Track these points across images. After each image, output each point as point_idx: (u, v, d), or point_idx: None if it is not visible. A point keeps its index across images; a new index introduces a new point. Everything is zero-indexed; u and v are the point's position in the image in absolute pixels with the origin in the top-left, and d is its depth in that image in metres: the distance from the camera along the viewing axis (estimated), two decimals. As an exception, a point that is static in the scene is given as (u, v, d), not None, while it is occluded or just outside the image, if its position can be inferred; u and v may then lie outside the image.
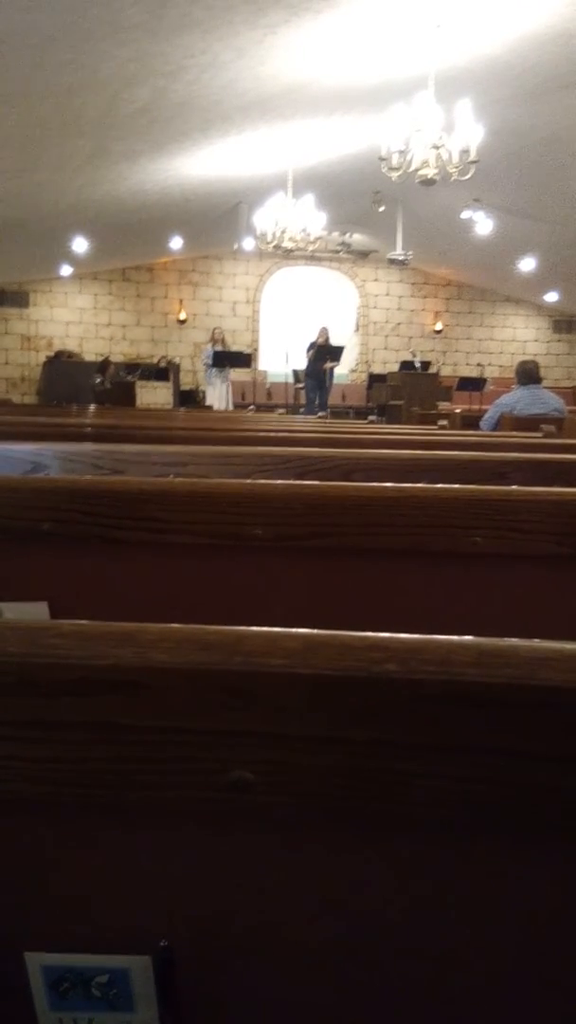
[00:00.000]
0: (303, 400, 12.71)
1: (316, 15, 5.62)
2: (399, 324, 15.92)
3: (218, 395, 12.08)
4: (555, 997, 0.50)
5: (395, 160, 6.90)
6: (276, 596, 1.06)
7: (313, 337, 12.54)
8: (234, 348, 13.03)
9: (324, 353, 12.28)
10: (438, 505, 1.05)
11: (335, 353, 12.32)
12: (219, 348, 12.35)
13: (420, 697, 0.44)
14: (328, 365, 12.33)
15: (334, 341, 12.72)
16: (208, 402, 12.44)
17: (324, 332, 12.50)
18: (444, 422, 6.13)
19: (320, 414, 11.17)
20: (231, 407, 12.14)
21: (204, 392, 13.65)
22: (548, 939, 0.50)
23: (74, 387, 11.95)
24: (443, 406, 10.17)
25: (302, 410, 12.40)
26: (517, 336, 16.34)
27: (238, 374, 13.21)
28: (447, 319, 16.05)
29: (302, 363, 12.57)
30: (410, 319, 15.96)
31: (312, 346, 12.44)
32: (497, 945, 0.50)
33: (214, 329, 13.15)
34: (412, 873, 0.49)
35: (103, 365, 12.02)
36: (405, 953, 0.51)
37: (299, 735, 0.45)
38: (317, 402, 12.40)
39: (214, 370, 12.08)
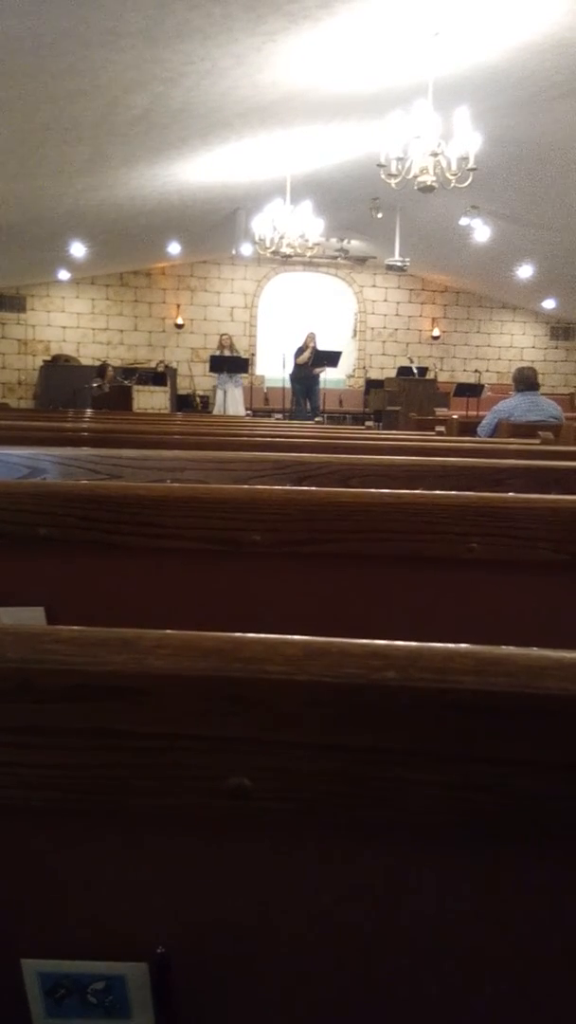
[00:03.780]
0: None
1: (315, 23, 5.64)
2: (396, 330, 15.95)
3: (232, 400, 11.95)
4: (554, 1001, 0.50)
5: (393, 167, 6.92)
6: (274, 602, 1.06)
7: (300, 343, 12.58)
8: (232, 353, 13.03)
9: (321, 358, 12.30)
10: (435, 512, 1.05)
11: (332, 358, 12.35)
12: (228, 353, 12.30)
13: (418, 704, 0.44)
14: (317, 370, 12.36)
15: (331, 346, 12.74)
16: (216, 410, 12.16)
17: (312, 337, 12.53)
18: (441, 428, 6.14)
19: (317, 419, 11.21)
20: (243, 413, 12.06)
21: (206, 397, 13.54)
22: (547, 944, 0.50)
23: (71, 391, 11.94)
24: (440, 412, 10.16)
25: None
26: (514, 343, 16.38)
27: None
28: (444, 325, 16.08)
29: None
30: (407, 325, 15.99)
31: (299, 352, 12.47)
32: (496, 950, 0.50)
33: (222, 335, 13.13)
34: (410, 880, 0.49)
35: (100, 369, 12.01)
36: (403, 959, 0.51)
37: (298, 742, 0.45)
38: (309, 407, 12.44)
39: (224, 375, 11.99)
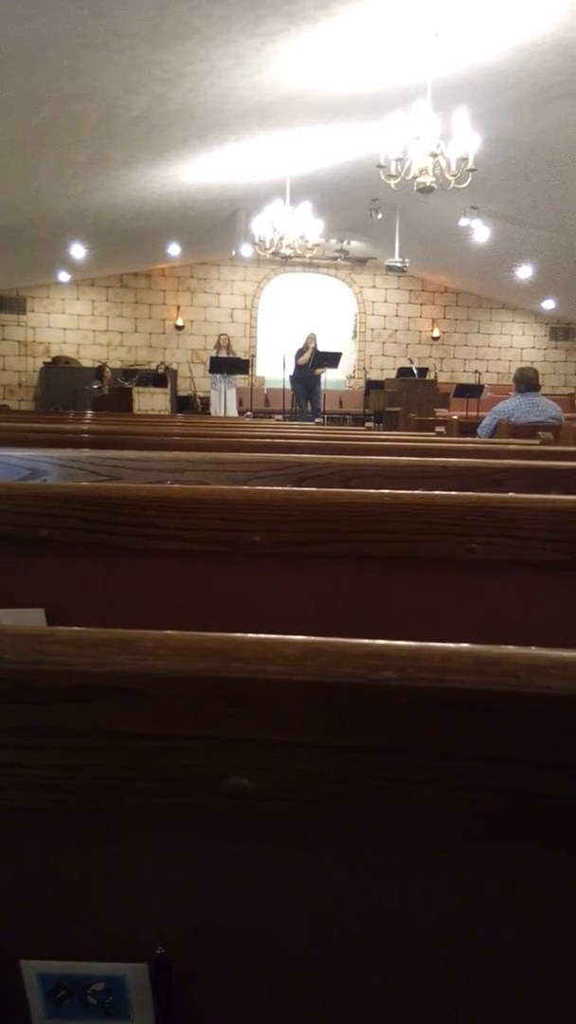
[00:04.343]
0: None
1: (314, 24, 5.64)
2: (396, 331, 15.95)
3: (229, 401, 12.01)
4: (555, 1001, 0.50)
5: (393, 168, 6.93)
6: (274, 603, 1.06)
7: (300, 344, 12.58)
8: (229, 354, 13.03)
9: (321, 359, 12.30)
10: (435, 512, 1.05)
11: (333, 359, 12.34)
12: (224, 354, 12.34)
13: (417, 704, 0.44)
14: (317, 371, 12.36)
15: (332, 347, 12.74)
16: (214, 410, 12.28)
17: (312, 338, 12.53)
18: (441, 429, 6.15)
19: (317, 420, 11.21)
20: (236, 413, 12.14)
21: (207, 398, 13.58)
22: (547, 944, 0.50)
23: (71, 393, 11.95)
24: (440, 413, 10.16)
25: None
26: (514, 343, 16.38)
27: (236, 380, 13.22)
28: (444, 326, 16.08)
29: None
30: (407, 326, 15.99)
31: (299, 353, 12.47)
32: (495, 950, 0.50)
33: (220, 335, 13.15)
34: (410, 879, 0.49)
35: (98, 371, 12.01)
36: (402, 959, 0.51)
37: (297, 742, 0.45)
38: (310, 408, 12.44)
39: (219, 375, 12.05)
